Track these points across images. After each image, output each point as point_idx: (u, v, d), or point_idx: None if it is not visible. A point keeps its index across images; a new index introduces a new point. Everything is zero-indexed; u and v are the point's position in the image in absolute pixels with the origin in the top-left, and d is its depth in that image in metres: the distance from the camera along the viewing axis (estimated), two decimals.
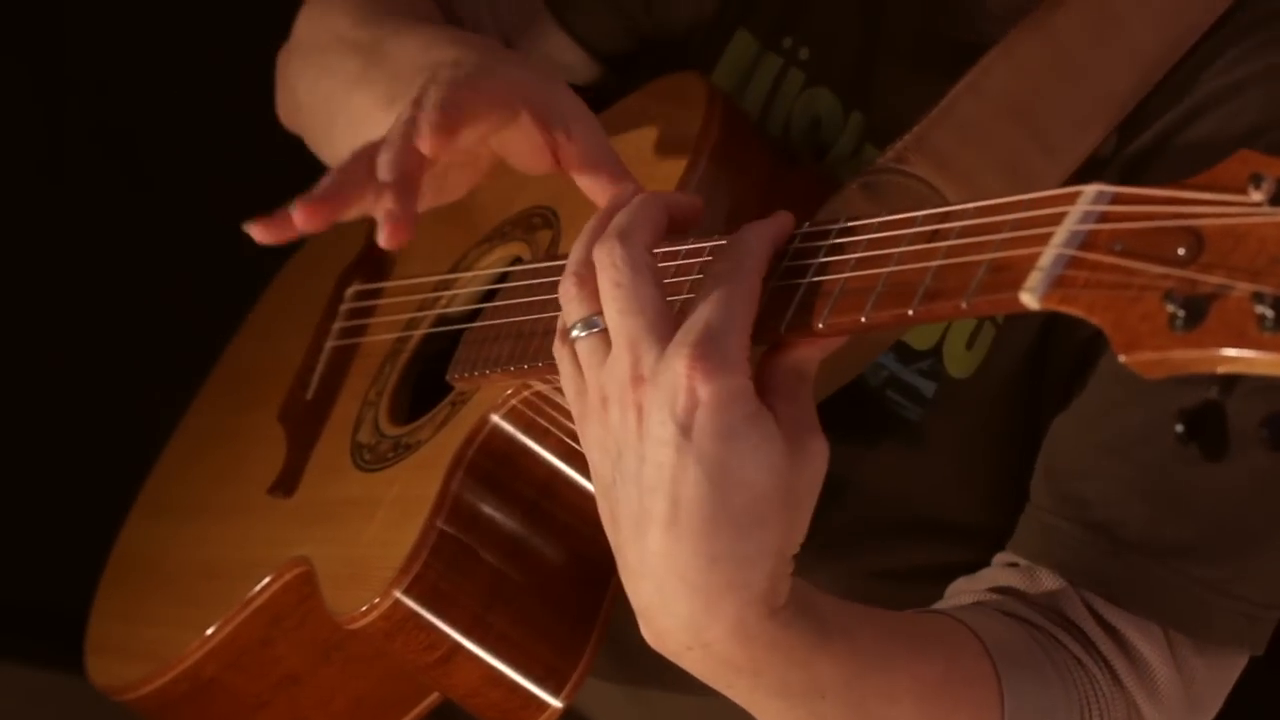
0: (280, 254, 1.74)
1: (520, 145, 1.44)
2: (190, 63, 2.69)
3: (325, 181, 1.41)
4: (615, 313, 1.22)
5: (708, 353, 1.18)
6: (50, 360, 2.72)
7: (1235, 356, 0.99)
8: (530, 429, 1.48)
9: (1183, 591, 1.41)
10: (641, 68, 1.69)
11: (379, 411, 1.62)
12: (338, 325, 1.75)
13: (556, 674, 1.47)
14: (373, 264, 1.79)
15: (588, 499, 1.38)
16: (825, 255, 1.22)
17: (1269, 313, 0.98)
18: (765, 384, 1.21)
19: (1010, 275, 1.10)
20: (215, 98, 2.59)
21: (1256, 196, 1.02)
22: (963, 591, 1.47)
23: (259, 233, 1.41)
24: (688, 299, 1.24)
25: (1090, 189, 1.09)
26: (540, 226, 1.60)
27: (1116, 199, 1.08)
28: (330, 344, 1.74)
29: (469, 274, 1.65)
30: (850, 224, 1.22)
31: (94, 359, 2.71)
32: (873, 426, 1.51)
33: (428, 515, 1.46)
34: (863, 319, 1.18)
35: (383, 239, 1.36)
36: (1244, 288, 1.00)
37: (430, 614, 1.46)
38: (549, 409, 1.47)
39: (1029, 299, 1.08)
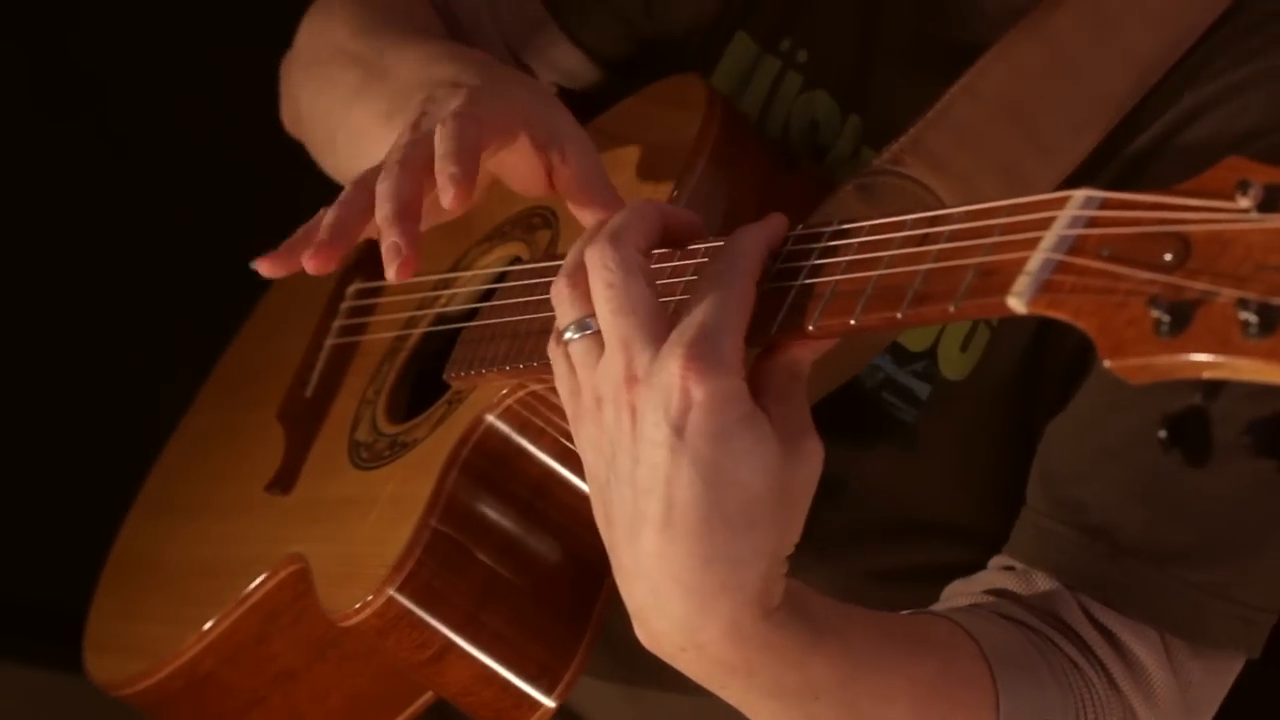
0: None
1: (517, 167, 1.44)
2: (191, 63, 2.69)
3: (329, 219, 1.40)
4: (608, 313, 1.22)
5: (702, 353, 1.18)
6: (50, 360, 2.72)
7: (1219, 362, 0.99)
8: (525, 429, 1.48)
9: (1179, 595, 1.40)
10: (641, 70, 1.68)
11: (377, 410, 1.62)
12: (338, 323, 1.75)
13: (549, 673, 1.47)
14: (375, 262, 1.78)
15: (582, 499, 1.38)
16: (818, 258, 1.22)
17: (1253, 319, 0.98)
18: (759, 385, 1.21)
19: (998, 279, 1.10)
20: (217, 98, 2.60)
21: (1244, 203, 1.02)
22: (958, 594, 1.46)
23: (266, 268, 1.41)
24: (682, 300, 1.24)
25: (1079, 194, 1.09)
26: (539, 227, 1.60)
27: (1105, 204, 1.08)
28: (330, 342, 1.74)
29: (468, 273, 1.65)
30: (843, 226, 1.22)
31: (94, 359, 2.72)
32: (868, 428, 1.51)
33: (422, 514, 1.46)
34: (852, 321, 1.18)
35: (390, 274, 1.35)
36: (1229, 294, 0.99)
37: (423, 612, 1.46)
38: (544, 409, 1.47)
39: (1016, 303, 1.08)
